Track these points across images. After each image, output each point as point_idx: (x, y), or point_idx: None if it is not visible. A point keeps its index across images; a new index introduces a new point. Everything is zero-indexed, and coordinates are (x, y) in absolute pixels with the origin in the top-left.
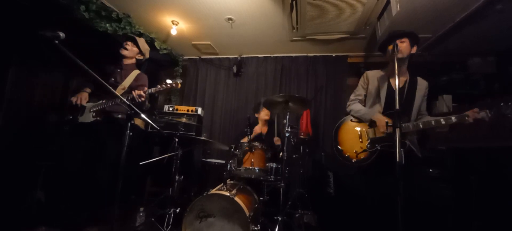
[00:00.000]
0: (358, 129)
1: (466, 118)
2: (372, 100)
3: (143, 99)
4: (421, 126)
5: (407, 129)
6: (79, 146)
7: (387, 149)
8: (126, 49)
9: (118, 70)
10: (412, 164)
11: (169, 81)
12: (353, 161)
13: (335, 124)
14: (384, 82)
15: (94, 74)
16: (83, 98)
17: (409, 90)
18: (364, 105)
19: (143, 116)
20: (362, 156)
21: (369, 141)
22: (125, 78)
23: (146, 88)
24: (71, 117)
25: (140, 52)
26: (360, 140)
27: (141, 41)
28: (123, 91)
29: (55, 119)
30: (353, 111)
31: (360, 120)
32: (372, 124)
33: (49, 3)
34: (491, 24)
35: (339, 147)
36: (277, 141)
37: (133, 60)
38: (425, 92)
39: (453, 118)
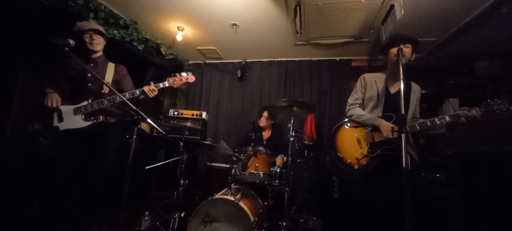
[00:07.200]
0: (355, 134)
1: (459, 117)
2: (372, 104)
3: (156, 93)
4: (417, 127)
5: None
6: (79, 154)
7: (388, 153)
8: (96, 44)
9: (91, 64)
10: (410, 167)
11: (184, 74)
12: (355, 167)
13: None
14: (382, 86)
15: (112, 89)
16: (59, 101)
17: (405, 94)
18: (363, 109)
19: (149, 120)
20: (363, 162)
21: (369, 146)
22: (103, 73)
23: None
24: (37, 127)
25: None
26: (359, 145)
27: (101, 27)
28: (107, 88)
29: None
30: (354, 116)
31: (357, 125)
32: (375, 128)
33: (58, 11)
34: (497, 27)
35: (339, 154)
36: (279, 161)
37: (101, 52)
38: (418, 96)
39: (447, 118)
